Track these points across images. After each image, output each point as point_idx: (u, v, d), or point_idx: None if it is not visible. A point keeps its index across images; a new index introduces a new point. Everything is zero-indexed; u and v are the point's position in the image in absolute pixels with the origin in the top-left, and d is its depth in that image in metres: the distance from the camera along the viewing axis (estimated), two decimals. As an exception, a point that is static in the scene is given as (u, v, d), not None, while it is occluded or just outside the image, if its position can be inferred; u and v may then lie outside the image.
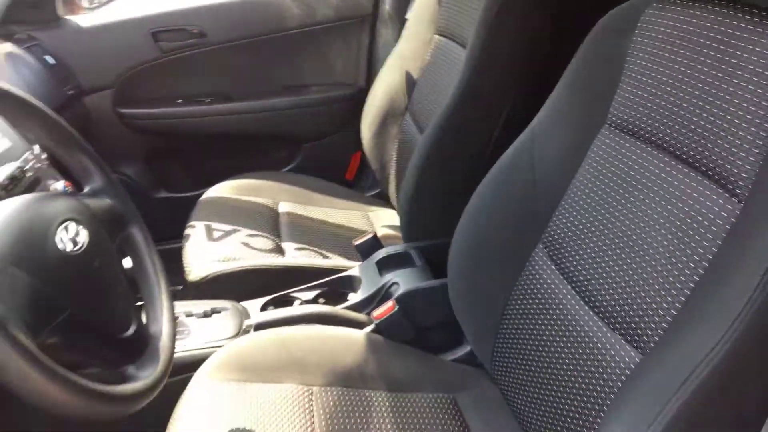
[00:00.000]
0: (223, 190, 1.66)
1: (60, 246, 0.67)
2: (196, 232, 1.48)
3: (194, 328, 1.17)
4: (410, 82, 1.60)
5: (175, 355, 1.11)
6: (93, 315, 0.68)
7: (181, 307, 1.22)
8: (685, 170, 0.72)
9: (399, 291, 1.15)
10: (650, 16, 0.81)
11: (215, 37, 1.79)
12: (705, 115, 0.70)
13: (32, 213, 0.67)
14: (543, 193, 0.95)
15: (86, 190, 0.84)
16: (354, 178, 2.06)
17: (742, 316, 0.55)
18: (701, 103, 0.71)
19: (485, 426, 1.01)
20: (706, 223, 0.67)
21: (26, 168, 0.95)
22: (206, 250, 1.39)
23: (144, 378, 0.70)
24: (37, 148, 1.16)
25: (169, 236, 1.55)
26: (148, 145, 1.89)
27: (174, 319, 0.83)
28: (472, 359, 1.14)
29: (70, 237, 0.69)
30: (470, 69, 1.22)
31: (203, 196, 1.64)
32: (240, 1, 1.81)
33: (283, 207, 1.64)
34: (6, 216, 0.65)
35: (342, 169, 2.03)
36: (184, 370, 1.05)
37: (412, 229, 1.31)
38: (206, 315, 1.20)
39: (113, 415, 0.63)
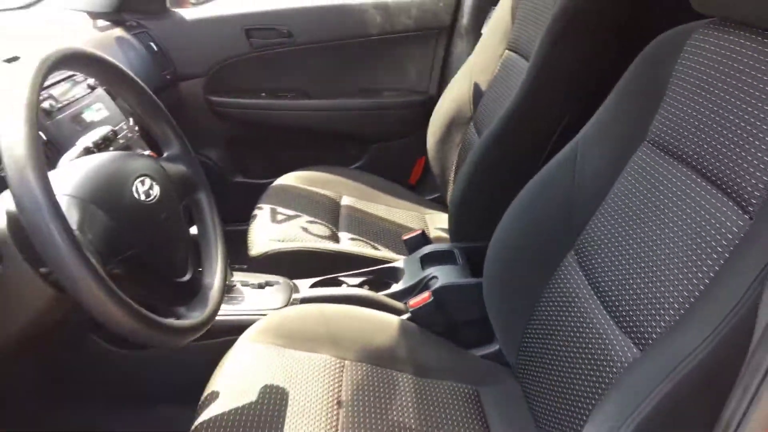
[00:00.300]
0: (292, 179, 1.77)
1: (135, 195, 0.78)
2: (262, 213, 1.59)
3: (248, 297, 1.27)
4: (477, 93, 1.65)
5: (226, 318, 1.23)
6: (155, 257, 0.79)
7: (240, 277, 1.33)
8: (708, 187, 0.75)
9: (436, 284, 1.21)
10: (696, 41, 0.84)
11: (301, 37, 1.91)
12: (733, 137, 0.72)
13: (117, 165, 0.79)
14: (580, 202, 0.99)
15: (165, 155, 0.96)
16: (417, 182, 2.12)
17: (731, 316, 0.57)
18: (733, 127, 0.73)
19: (502, 420, 1.04)
20: (719, 237, 0.69)
21: (119, 134, 1.08)
22: (268, 230, 1.50)
23: (191, 318, 0.80)
24: (131, 121, 1.30)
25: (241, 218, 1.66)
26: (231, 132, 2.03)
27: (225, 275, 0.93)
28: (500, 357, 1.18)
29: (145, 189, 0.80)
30: (531, 81, 1.26)
31: (274, 183, 1.76)
32: (327, 6, 1.93)
33: (345, 200, 1.73)
34: (94, 164, 0.76)
35: (406, 171, 2.10)
36: (233, 332, 1.14)
37: (459, 230, 1.37)
38: (260, 286, 1.30)
39: (158, 342, 0.73)
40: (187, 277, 0.85)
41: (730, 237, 0.68)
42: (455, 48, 1.95)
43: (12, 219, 0.70)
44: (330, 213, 1.64)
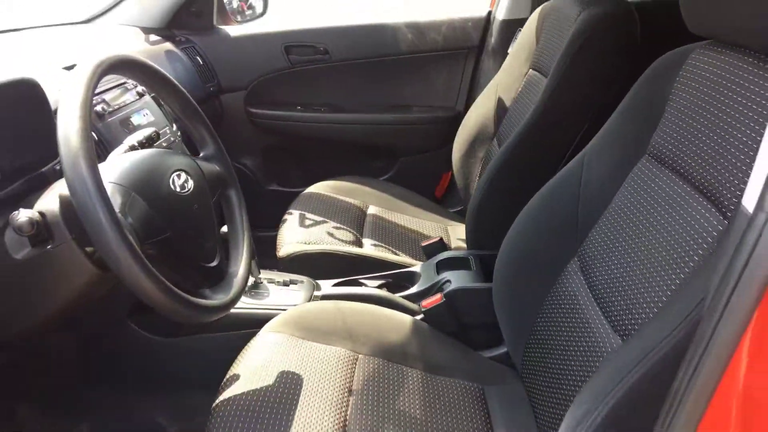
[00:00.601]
0: (322, 187, 1.86)
1: (171, 187, 0.87)
2: (291, 218, 1.68)
3: (272, 293, 1.36)
4: (501, 111, 1.71)
5: (252, 311, 1.31)
6: (186, 243, 0.87)
7: (266, 275, 1.42)
8: (696, 195, 0.79)
9: (449, 288, 1.26)
10: (692, 61, 0.89)
11: (337, 55, 2.01)
12: (719, 148, 0.77)
13: (157, 159, 0.88)
14: (585, 212, 1.04)
15: (201, 155, 1.05)
16: (442, 196, 2.18)
17: (695, 311, 0.62)
18: (718, 138, 0.78)
19: (505, 418, 1.09)
20: (700, 240, 0.74)
21: (161, 136, 1.18)
22: (296, 234, 1.58)
23: (215, 300, 0.88)
24: (174, 126, 1.41)
25: (274, 225, 1.74)
26: (268, 142, 2.13)
27: (249, 265, 1.01)
28: (507, 359, 1.22)
29: (180, 183, 0.89)
30: (547, 96, 1.32)
31: (305, 191, 1.85)
32: (361, 25, 2.02)
33: (372, 209, 1.81)
34: (138, 158, 0.86)
35: (432, 185, 2.16)
36: (256, 324, 1.22)
37: (475, 238, 1.42)
38: (285, 284, 1.38)
39: (183, 317, 0.80)
40: (214, 263, 0.93)
41: (711, 240, 0.72)
42: (483, 66, 2.01)
43: (64, 202, 0.80)
44: (355, 220, 1.72)
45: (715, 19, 0.81)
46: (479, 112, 1.80)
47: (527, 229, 1.14)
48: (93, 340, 1.32)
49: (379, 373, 1.11)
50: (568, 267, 1.04)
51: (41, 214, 0.80)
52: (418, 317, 1.27)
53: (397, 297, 1.33)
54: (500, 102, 1.73)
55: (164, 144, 1.21)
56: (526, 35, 1.69)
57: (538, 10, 1.64)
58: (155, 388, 1.38)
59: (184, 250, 0.88)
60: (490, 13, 2.00)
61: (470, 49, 2.02)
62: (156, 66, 0.95)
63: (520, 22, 1.76)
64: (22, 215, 0.76)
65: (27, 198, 0.87)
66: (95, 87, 0.78)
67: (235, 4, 2.10)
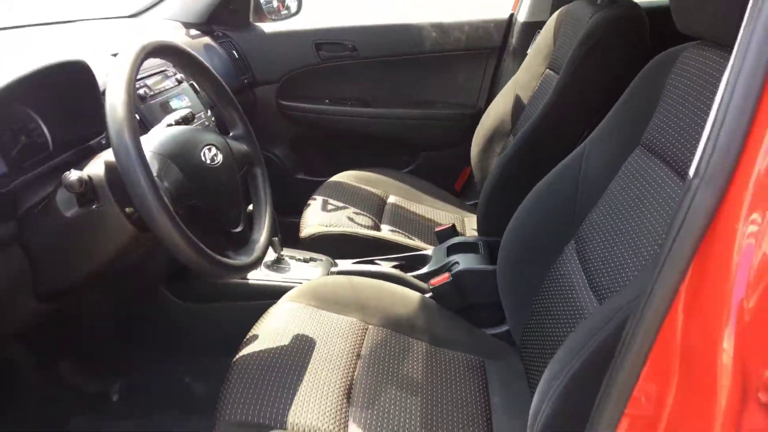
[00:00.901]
0: (346, 176, 1.94)
1: (202, 158, 0.97)
2: (315, 203, 1.77)
3: (293, 268, 1.45)
4: (518, 108, 1.78)
5: (272, 283, 1.40)
6: (213, 208, 0.97)
7: (289, 252, 1.51)
8: (678, 181, 0.86)
9: (457, 268, 1.34)
10: (683, 59, 0.95)
11: (364, 52, 2.10)
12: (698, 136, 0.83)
13: (191, 134, 0.98)
14: (583, 197, 1.10)
15: (231, 135, 1.15)
16: (462, 189, 2.25)
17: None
18: (700, 129, 0.84)
19: (501, 388, 1.16)
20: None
21: (197, 119, 1.29)
22: (318, 217, 1.68)
23: (237, 261, 0.97)
24: (209, 112, 1.52)
25: (299, 211, 1.83)
26: (297, 134, 2.24)
27: (270, 234, 1.10)
28: (509, 337, 1.29)
29: (211, 156, 0.98)
30: (557, 93, 1.38)
31: (330, 179, 1.94)
32: (388, 24, 2.11)
33: (392, 199, 1.89)
34: (175, 132, 0.96)
35: (452, 179, 2.23)
36: (277, 295, 1.31)
37: (485, 224, 1.49)
38: (305, 261, 1.47)
39: (207, 272, 0.90)
40: (238, 230, 1.03)
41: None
42: (504, 66, 2.08)
43: (109, 167, 0.90)
44: (375, 208, 1.80)
45: (699, 21, 0.87)
46: (498, 110, 1.86)
47: (530, 215, 1.20)
48: (130, 305, 1.43)
49: (386, 342, 1.19)
50: (566, 249, 1.11)
51: (89, 177, 0.90)
52: (427, 295, 1.35)
53: (408, 276, 1.41)
54: (518, 100, 1.79)
55: (198, 125, 1.32)
56: (544, 36, 1.76)
57: (556, 12, 1.70)
58: (183, 351, 1.48)
59: (212, 215, 0.97)
60: (512, 15, 2.07)
61: (492, 50, 2.09)
62: (193, 52, 1.05)
63: (540, 25, 1.82)
64: (73, 174, 0.87)
65: (76, 166, 0.97)
66: (139, 67, 0.88)
67: (274, 4, 2.21)
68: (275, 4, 2.23)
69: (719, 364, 0.52)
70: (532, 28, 1.95)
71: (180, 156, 0.93)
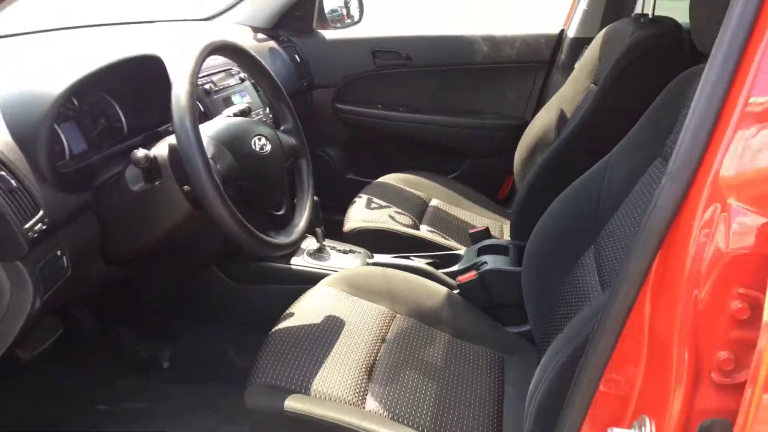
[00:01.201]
0: (393, 178, 2.04)
1: (252, 147, 1.08)
2: (360, 201, 1.87)
3: (333, 257, 1.55)
4: (562, 121, 1.83)
5: (312, 269, 1.51)
6: (258, 191, 1.09)
7: (331, 242, 1.62)
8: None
9: (484, 268, 1.41)
10: (705, 75, 1.00)
11: (418, 61, 2.20)
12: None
13: (245, 125, 1.10)
14: (605, 206, 1.16)
15: (281, 128, 1.27)
16: (505, 198, 2.31)
17: None
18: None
19: (516, 381, 1.21)
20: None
21: (254, 113, 1.41)
22: (361, 213, 1.78)
23: (277, 239, 1.08)
24: (267, 109, 1.65)
25: (346, 209, 1.92)
26: (350, 136, 2.35)
27: (309, 220, 1.21)
28: (530, 336, 1.34)
29: (260, 145, 1.10)
30: (594, 104, 1.44)
31: (377, 180, 2.04)
32: (442, 35, 2.20)
33: (434, 202, 1.97)
34: (231, 122, 1.08)
35: (496, 187, 2.29)
36: (316, 280, 1.41)
37: (517, 229, 1.55)
38: (344, 252, 1.57)
39: (247, 246, 1.01)
40: (280, 213, 1.14)
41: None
42: (553, 81, 2.13)
43: (171, 150, 1.02)
44: (417, 209, 1.88)
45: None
46: (542, 122, 1.92)
47: (555, 221, 1.26)
48: (184, 280, 1.57)
49: (411, 330, 1.27)
50: (585, 255, 1.16)
51: (154, 156, 1.03)
52: (455, 291, 1.42)
53: (439, 272, 1.49)
54: (561, 113, 1.84)
55: (255, 119, 1.45)
56: (590, 52, 1.80)
57: (603, 29, 1.74)
58: (228, 326, 1.61)
59: (257, 197, 1.09)
60: (563, 31, 2.12)
61: (541, 64, 2.14)
62: (251, 51, 1.17)
63: (589, 41, 1.87)
64: (140, 152, 1.00)
65: (145, 147, 1.11)
66: (202, 62, 1.00)
67: (339, 12, 2.34)
68: (341, 13, 2.36)
69: (676, 347, 0.58)
70: (581, 44, 2.00)
71: (233, 143, 1.05)
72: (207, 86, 1.45)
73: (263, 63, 1.20)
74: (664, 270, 0.60)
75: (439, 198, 1.99)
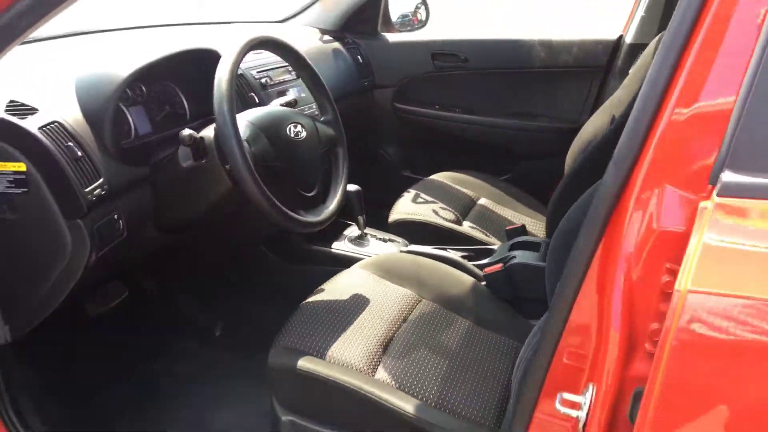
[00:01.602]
0: (444, 176, 2.09)
1: (287, 133, 1.19)
2: (407, 195, 1.94)
3: (372, 244, 1.64)
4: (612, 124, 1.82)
5: (351, 254, 1.60)
6: (291, 173, 1.19)
7: (372, 230, 1.71)
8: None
9: (512, 261, 1.44)
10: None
11: (475, 64, 2.24)
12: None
13: (283, 113, 1.21)
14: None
15: (321, 119, 1.37)
16: (556, 201, 2.30)
17: None
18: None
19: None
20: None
21: (306, 107, 1.53)
22: (406, 206, 1.85)
23: (305, 218, 1.18)
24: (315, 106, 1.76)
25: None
26: (407, 134, 2.43)
27: (340, 205, 1.30)
28: (551, 330, 1.37)
29: (295, 131, 1.20)
30: (629, 107, 1.44)
31: (429, 177, 2.11)
32: (500, 39, 2.23)
33: (482, 201, 2.01)
34: (271, 109, 1.20)
35: (547, 190, 2.29)
36: (353, 264, 1.50)
37: (551, 227, 1.57)
38: (384, 240, 1.66)
39: (274, 220, 1.11)
40: (311, 194, 1.24)
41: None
42: (609, 86, 2.11)
43: (215, 131, 1.15)
44: (463, 206, 1.93)
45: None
46: (594, 125, 1.91)
47: (576, 217, 1.28)
48: (235, 256, 1.71)
49: (433, 314, 1.33)
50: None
51: (202, 137, 1.16)
52: (482, 283, 1.47)
53: (468, 263, 1.54)
54: (612, 117, 1.84)
55: (304, 111, 1.56)
56: (644, 57, 1.78)
57: (658, 36, 1.73)
58: (273, 301, 1.73)
59: (289, 178, 1.19)
60: (621, 36, 2.10)
61: (598, 69, 2.12)
62: (292, 45, 1.28)
63: (645, 47, 1.85)
64: (186, 131, 1.13)
65: (198, 130, 1.24)
66: (244, 54, 1.12)
67: (409, 18, 2.43)
68: (410, 18, 2.46)
69: (613, 319, 0.63)
70: (638, 50, 1.97)
71: (269, 128, 1.16)
72: (263, 80, 1.58)
73: (305, 58, 1.30)
74: (608, 248, 0.65)
75: (488, 197, 2.03)
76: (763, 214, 0.54)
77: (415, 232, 1.74)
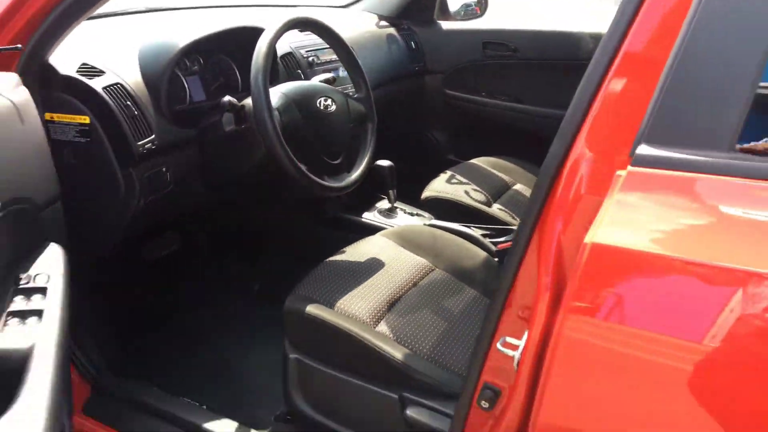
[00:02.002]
0: (483, 161, 2.16)
1: (317, 105, 1.31)
2: (444, 175, 2.02)
3: (399, 217, 1.75)
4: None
5: (378, 224, 1.71)
6: (318, 142, 1.31)
7: (402, 205, 1.82)
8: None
9: (525, 240, 1.51)
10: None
11: (524, 54, 2.28)
12: None
13: (316, 87, 1.33)
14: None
15: (354, 96, 1.48)
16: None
17: None
18: None
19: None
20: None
21: (342, 82, 1.65)
22: (439, 185, 1.93)
23: (327, 183, 1.31)
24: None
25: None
26: (455, 119, 2.51)
27: (364, 174, 1.41)
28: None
29: (325, 104, 1.32)
30: None
31: (468, 161, 2.18)
32: (550, 30, 2.26)
33: (517, 186, 2.06)
34: (305, 83, 1.33)
35: (587, 181, 2.31)
36: (378, 230, 1.61)
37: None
38: (411, 214, 1.76)
39: (295, 182, 1.23)
40: (336, 162, 1.36)
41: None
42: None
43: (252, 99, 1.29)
44: (496, 190, 1.99)
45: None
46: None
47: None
48: (276, 219, 1.86)
49: (443, 282, 1.42)
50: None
51: (242, 105, 1.30)
52: (495, 259, 1.54)
53: (485, 240, 1.61)
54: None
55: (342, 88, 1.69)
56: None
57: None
58: (304, 261, 1.87)
59: (316, 146, 1.31)
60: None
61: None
62: (329, 24, 1.40)
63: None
64: (227, 98, 1.27)
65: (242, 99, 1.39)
66: (283, 33, 1.25)
67: (472, 7, 2.50)
68: (473, 7, 2.52)
69: (545, 274, 0.71)
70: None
71: (301, 100, 1.29)
72: (311, 59, 1.72)
73: (341, 38, 1.42)
74: (549, 212, 0.73)
75: (524, 183, 2.08)
76: (669, 183, 0.61)
77: (443, 209, 1.83)
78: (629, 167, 0.62)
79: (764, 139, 0.67)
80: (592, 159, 0.68)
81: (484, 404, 0.85)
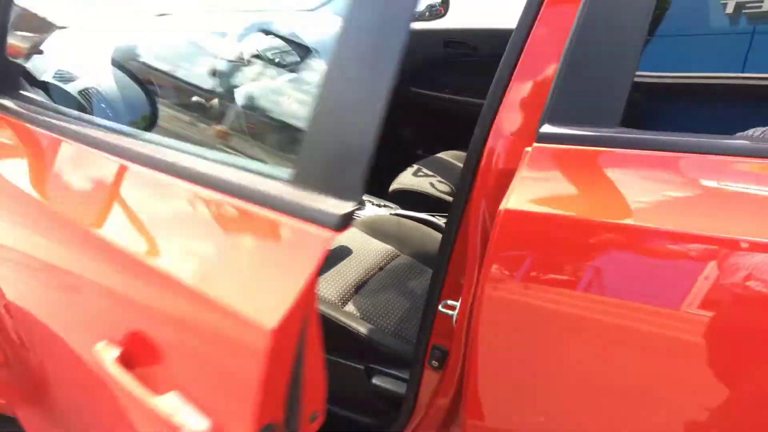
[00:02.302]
0: (448, 154, 2.27)
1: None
2: (410, 169, 2.12)
3: (368, 208, 1.85)
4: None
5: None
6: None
7: (370, 197, 1.92)
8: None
9: (483, 224, 1.62)
10: None
11: (483, 52, 2.41)
12: None
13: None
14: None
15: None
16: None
17: None
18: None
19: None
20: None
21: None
22: (405, 178, 2.03)
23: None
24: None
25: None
26: (422, 116, 2.62)
27: None
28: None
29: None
30: None
31: (435, 155, 2.29)
32: (504, 29, 2.38)
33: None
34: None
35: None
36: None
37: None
38: (378, 206, 1.87)
39: None
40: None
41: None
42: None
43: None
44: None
45: None
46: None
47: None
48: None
49: (408, 266, 1.53)
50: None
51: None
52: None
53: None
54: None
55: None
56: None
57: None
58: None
59: None
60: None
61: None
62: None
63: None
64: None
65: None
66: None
67: (436, 8, 2.61)
68: (437, 8, 2.63)
69: (473, 242, 0.82)
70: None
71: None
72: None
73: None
74: (475, 187, 0.84)
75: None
76: (566, 155, 0.72)
77: (410, 200, 1.93)
78: (534, 144, 0.73)
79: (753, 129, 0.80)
80: (506, 140, 0.79)
81: (434, 363, 0.95)
